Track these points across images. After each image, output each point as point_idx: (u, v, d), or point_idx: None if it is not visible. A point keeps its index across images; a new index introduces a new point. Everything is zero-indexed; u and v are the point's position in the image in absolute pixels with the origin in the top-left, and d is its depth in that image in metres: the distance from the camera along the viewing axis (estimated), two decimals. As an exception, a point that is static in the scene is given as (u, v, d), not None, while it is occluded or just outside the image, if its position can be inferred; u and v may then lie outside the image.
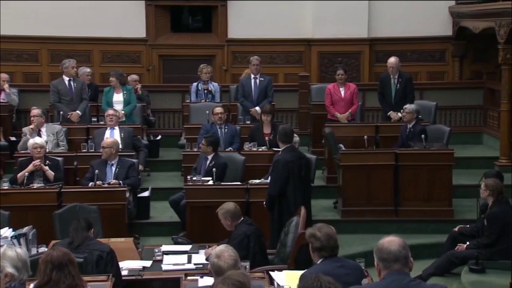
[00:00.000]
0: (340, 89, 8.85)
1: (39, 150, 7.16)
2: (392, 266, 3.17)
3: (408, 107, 8.15)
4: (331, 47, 11.00)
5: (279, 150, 6.77)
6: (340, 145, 7.98)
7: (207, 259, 5.42)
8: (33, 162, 7.10)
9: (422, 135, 7.77)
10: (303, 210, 5.83)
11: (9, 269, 3.31)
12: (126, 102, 8.93)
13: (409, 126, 8.09)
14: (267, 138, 8.13)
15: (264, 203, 6.56)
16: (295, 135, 6.91)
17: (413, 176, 7.68)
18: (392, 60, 8.87)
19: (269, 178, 6.85)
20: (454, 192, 7.79)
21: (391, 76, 8.85)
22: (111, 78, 8.99)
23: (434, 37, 11.11)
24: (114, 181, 7.13)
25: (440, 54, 11.28)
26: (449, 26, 11.06)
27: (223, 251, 3.87)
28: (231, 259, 3.79)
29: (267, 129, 8.22)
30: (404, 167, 7.70)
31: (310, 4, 10.96)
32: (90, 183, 7.05)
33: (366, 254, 5.73)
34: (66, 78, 8.88)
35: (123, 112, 8.78)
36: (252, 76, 9.25)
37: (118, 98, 8.92)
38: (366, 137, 7.99)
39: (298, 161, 6.54)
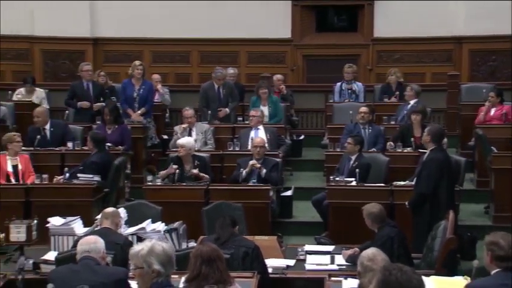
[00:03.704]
0: (492, 109, 8.44)
1: (179, 149, 7.45)
2: None
3: None
4: (484, 45, 10.47)
5: (425, 152, 6.56)
6: (492, 147, 7.59)
7: (347, 260, 5.38)
8: (192, 171, 7.33)
9: None
10: (451, 214, 5.61)
11: (156, 266, 3.42)
12: (272, 116, 8.99)
13: None
14: (412, 139, 7.88)
15: (408, 203, 6.36)
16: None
17: None
18: None
19: (414, 180, 6.66)
20: None
21: None
22: (263, 90, 9.03)
23: None
24: (253, 161, 7.28)
25: None
26: None
27: (375, 254, 3.83)
28: (384, 262, 3.74)
29: (417, 132, 7.86)
30: None
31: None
32: (244, 172, 7.23)
33: (522, 264, 5.38)
34: (215, 85, 9.19)
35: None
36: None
37: (264, 111, 8.86)
38: (521, 138, 7.54)
39: (448, 162, 6.31)
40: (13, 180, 7.21)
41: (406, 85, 9.38)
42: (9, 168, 7.25)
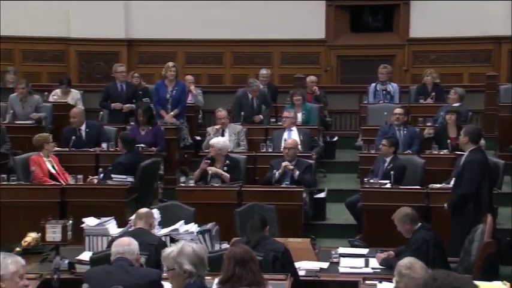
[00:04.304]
0: None
1: (210, 148, 7.46)
2: None
3: None
4: (524, 45, 10.27)
5: (461, 154, 6.43)
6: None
7: (381, 264, 5.30)
8: (209, 167, 7.31)
9: None
10: (489, 218, 5.49)
11: (187, 266, 3.45)
12: (305, 122, 8.94)
13: None
14: (448, 141, 7.73)
15: (447, 205, 6.23)
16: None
17: None
18: None
19: (451, 182, 6.54)
20: None
21: None
22: (297, 97, 8.93)
23: None
24: (286, 163, 7.23)
25: None
26: None
27: (412, 262, 3.77)
28: (422, 270, 3.68)
29: (452, 132, 7.77)
30: None
31: (500, -1, 10.32)
32: (276, 174, 7.20)
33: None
34: (249, 95, 9.17)
35: None
36: None
37: (298, 117, 8.84)
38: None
39: (488, 164, 6.20)
40: (61, 180, 7.27)
41: (444, 86, 9.22)
42: (51, 169, 7.34)
